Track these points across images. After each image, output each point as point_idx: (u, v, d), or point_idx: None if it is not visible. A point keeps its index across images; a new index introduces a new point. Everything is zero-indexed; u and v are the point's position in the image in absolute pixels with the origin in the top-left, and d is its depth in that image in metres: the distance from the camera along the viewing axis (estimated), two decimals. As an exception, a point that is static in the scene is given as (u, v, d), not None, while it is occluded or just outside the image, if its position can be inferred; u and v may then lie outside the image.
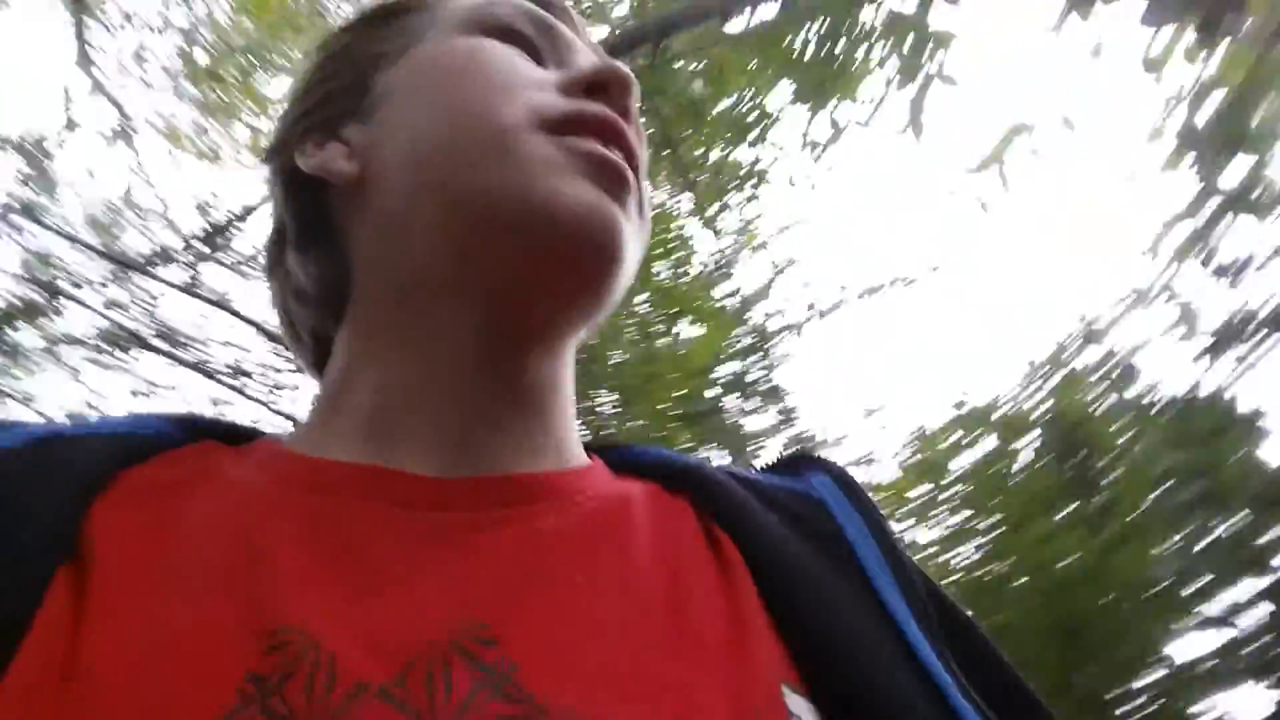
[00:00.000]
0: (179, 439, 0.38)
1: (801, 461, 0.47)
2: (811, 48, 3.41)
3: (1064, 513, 3.03)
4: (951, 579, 3.11)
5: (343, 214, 0.44)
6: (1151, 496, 2.88)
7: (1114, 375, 3.43)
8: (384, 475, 0.36)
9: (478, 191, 0.38)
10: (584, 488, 0.39)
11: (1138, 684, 2.66)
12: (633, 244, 0.40)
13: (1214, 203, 2.68)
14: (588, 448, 0.44)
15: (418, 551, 0.33)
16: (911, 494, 3.71)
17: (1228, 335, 2.93)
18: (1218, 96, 2.33)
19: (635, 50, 3.40)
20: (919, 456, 4.21)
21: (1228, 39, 2.18)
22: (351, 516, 0.34)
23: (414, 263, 0.40)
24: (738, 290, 3.83)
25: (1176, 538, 2.77)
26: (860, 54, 3.22)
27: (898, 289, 3.70)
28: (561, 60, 0.46)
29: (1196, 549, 2.68)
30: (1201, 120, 2.39)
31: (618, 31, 3.34)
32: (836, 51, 3.35)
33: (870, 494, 0.44)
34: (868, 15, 3.16)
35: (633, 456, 0.44)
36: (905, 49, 2.89)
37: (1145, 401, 3.15)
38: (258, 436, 0.41)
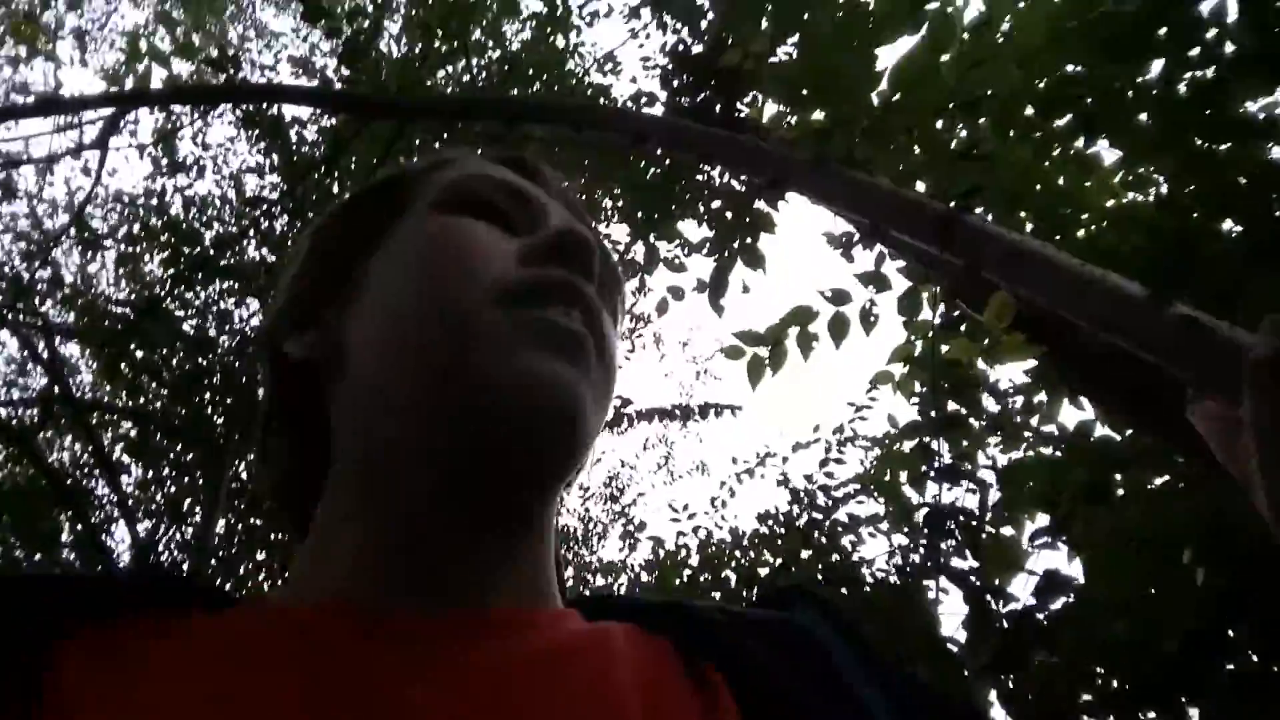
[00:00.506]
0: (155, 596, 0.38)
1: (788, 594, 0.48)
2: (654, 172, 3.57)
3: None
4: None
5: (327, 393, 0.46)
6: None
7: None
8: (364, 613, 0.37)
9: (441, 371, 0.40)
10: (556, 623, 0.40)
11: None
12: (593, 401, 0.41)
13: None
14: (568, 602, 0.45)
15: (401, 685, 0.34)
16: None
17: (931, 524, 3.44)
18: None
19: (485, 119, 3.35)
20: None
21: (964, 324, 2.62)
22: (332, 652, 0.35)
23: (387, 434, 0.41)
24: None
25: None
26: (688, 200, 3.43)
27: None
28: (535, 224, 0.47)
29: None
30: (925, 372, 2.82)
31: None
32: (677, 186, 3.54)
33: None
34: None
35: (609, 602, 0.44)
36: (727, 216, 3.11)
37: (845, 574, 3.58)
38: (236, 602, 0.41)
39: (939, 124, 1.96)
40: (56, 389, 3.80)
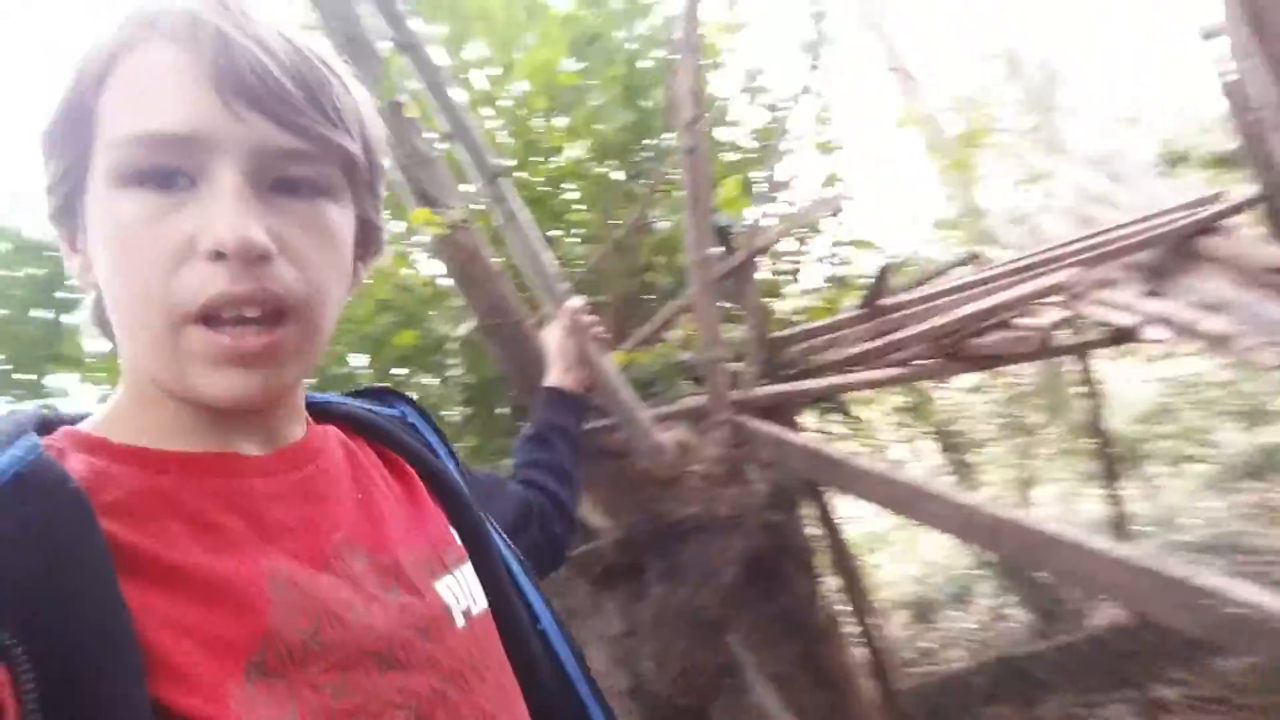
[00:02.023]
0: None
1: (387, 395, 0.75)
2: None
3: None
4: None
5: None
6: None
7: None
8: (229, 456, 0.54)
9: (150, 368, 0.51)
10: (320, 444, 0.60)
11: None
12: (291, 368, 0.53)
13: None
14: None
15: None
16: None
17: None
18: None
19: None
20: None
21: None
22: (244, 484, 0.53)
23: (148, 370, 0.52)
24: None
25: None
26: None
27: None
28: (200, 172, 0.48)
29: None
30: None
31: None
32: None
33: None
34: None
35: (321, 406, 0.66)
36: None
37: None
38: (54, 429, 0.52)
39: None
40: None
